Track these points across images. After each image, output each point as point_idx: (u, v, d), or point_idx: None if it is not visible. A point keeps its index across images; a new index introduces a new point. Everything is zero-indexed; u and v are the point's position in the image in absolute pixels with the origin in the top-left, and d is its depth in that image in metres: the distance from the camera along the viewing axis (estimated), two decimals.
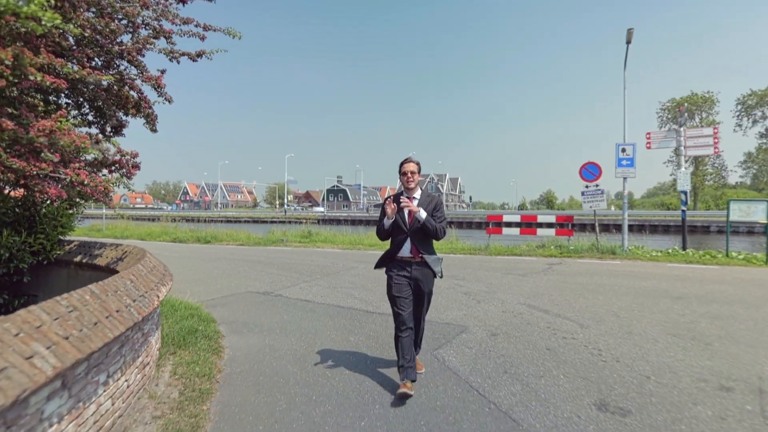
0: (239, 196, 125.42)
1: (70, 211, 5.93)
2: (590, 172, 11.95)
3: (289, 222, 45.55)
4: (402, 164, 3.38)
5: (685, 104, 61.72)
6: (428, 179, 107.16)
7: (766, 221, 10.44)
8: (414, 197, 3.38)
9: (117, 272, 4.48)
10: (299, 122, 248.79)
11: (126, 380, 2.75)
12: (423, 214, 3.23)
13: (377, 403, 3.12)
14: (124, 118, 5.35)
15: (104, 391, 2.42)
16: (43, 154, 3.39)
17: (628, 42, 11.56)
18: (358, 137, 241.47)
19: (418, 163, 3.37)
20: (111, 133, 5.52)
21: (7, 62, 2.63)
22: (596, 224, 12.41)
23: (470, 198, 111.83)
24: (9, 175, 3.56)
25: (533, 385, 3.41)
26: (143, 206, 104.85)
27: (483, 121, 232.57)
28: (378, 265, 3.50)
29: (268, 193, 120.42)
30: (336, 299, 6.51)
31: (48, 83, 2.93)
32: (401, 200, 3.24)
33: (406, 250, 3.29)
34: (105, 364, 2.44)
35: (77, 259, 5.36)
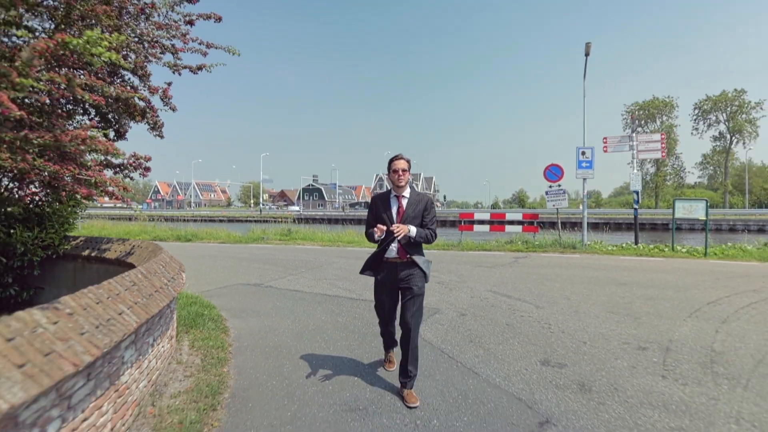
0: (212, 195, 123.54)
1: (76, 210, 6.39)
2: (553, 173, 12.97)
3: (265, 221, 45.58)
4: (392, 161, 3.23)
5: (636, 112, 65.16)
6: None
7: (704, 218, 11.67)
8: (404, 196, 3.23)
9: (128, 264, 5.03)
10: (275, 120, 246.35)
11: (162, 345, 3.36)
12: (413, 231, 3.10)
13: (367, 364, 3.83)
14: (129, 124, 5.85)
15: (152, 350, 3.04)
16: (82, 160, 3.95)
17: (587, 54, 12.64)
18: (333, 136, 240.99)
19: (408, 161, 3.24)
20: (115, 138, 6.01)
21: (62, 85, 3.17)
22: (558, 222, 13.46)
23: (444, 197, 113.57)
24: (44, 176, 4.09)
25: (493, 350, 4.18)
26: (112, 205, 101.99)
27: (458, 122, 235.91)
28: (364, 270, 3.36)
29: (242, 192, 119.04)
30: (322, 289, 7.17)
31: (91, 101, 3.48)
32: (393, 228, 2.99)
33: (392, 251, 3.18)
34: (152, 330, 3.05)
35: (85, 253, 5.83)
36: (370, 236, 3.23)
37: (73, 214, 6.35)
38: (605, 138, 13.20)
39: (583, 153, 12.87)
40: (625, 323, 5.01)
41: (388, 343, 3.66)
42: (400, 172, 3.18)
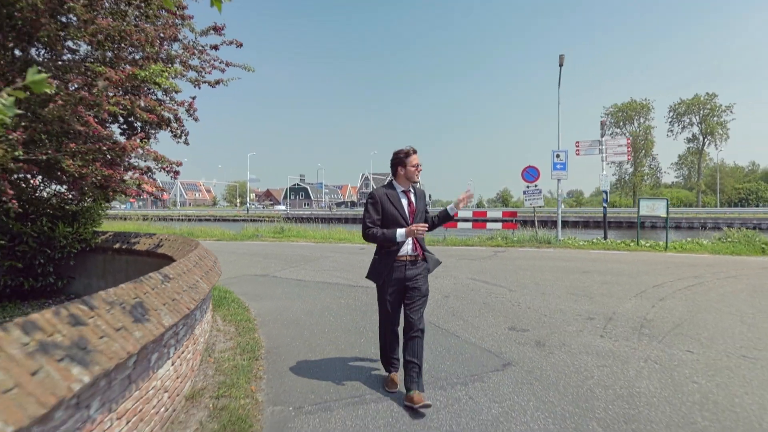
0: (197, 195, 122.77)
1: (102, 208, 7.16)
2: (530, 174, 14.07)
3: (253, 220, 45.98)
4: (407, 156, 3.10)
5: (609, 116, 68.01)
6: (389, 177, 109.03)
7: (665, 215, 12.88)
8: (410, 190, 3.19)
9: (159, 255, 5.84)
10: (260, 120, 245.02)
11: (206, 317, 4.23)
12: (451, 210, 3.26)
13: (368, 330, 4.74)
14: (154, 132, 6.66)
15: (203, 317, 3.91)
16: (124, 164, 4.77)
17: (561, 65, 13.76)
18: (318, 136, 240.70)
19: None
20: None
21: (128, 107, 3.98)
22: (535, 219, 14.55)
23: (430, 196, 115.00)
24: (98, 178, 4.91)
25: (471, 321, 5.14)
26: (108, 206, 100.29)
27: (443, 122, 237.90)
28: (373, 276, 3.20)
29: (227, 192, 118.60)
30: (322, 278, 8.06)
31: (149, 119, 4.31)
32: (414, 227, 2.93)
33: (408, 248, 3.08)
34: (202, 304, 3.92)
35: (116, 246, 6.62)
36: (381, 238, 3.02)
37: (100, 212, 7.12)
38: (577, 142, 14.35)
39: (558, 156, 13.99)
40: (581, 301, 6.02)
41: (391, 361, 3.33)
42: (420, 167, 3.12)
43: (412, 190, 3.19)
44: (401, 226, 3.01)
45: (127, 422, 2.07)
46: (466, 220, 15.96)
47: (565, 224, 36.76)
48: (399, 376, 3.26)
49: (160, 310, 2.36)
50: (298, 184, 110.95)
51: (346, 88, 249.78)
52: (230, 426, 2.62)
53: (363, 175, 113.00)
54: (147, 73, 3.76)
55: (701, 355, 3.91)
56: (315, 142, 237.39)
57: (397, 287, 3.08)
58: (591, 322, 5.02)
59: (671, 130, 69.53)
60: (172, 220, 36.21)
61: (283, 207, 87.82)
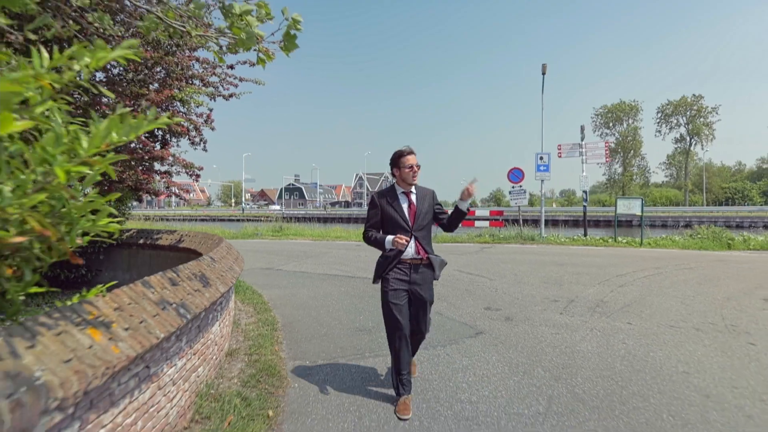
0: (192, 195, 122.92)
1: (126, 207, 7.96)
2: (516, 175, 15.01)
3: (248, 220, 46.72)
4: (402, 157, 2.98)
5: (582, 125, 68.83)
6: (382, 177, 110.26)
7: (640, 213, 13.87)
8: (411, 191, 3.08)
9: (182, 249, 6.66)
10: (254, 120, 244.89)
11: (232, 296, 5.07)
12: (464, 206, 3.07)
13: (365, 311, 5.60)
14: (176, 140, 7.46)
15: (232, 295, 4.75)
16: (155, 170, 5.59)
17: (543, 74, 14.71)
18: (311, 136, 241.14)
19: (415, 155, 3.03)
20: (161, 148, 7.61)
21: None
22: (520, 217, 15.50)
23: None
24: (133, 181, 5.72)
25: (455, 303, 6.02)
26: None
27: (437, 122, 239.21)
28: (377, 278, 3.07)
29: (222, 192, 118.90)
30: (324, 270, 8.91)
31: (179, 131, 5.13)
32: (396, 240, 2.84)
33: (410, 251, 2.97)
34: (231, 288, 4.76)
35: (140, 241, 7.42)
36: (375, 242, 3.03)
37: (125, 211, 7.93)
38: (559, 145, 15.32)
39: (541, 158, 14.94)
40: (551, 288, 6.93)
41: (402, 379, 2.99)
42: (415, 168, 2.97)
43: (414, 192, 3.08)
44: (402, 229, 2.95)
45: (198, 358, 2.92)
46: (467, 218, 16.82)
47: (556, 223, 38.13)
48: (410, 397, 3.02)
49: (216, 281, 3.21)
50: (293, 184, 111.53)
51: (341, 89, 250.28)
52: (263, 371, 3.47)
53: (357, 175, 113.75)
54: (183, 94, 4.60)
55: (637, 326, 4.82)
56: (309, 143, 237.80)
57: (400, 290, 2.95)
58: (555, 303, 5.92)
59: (659, 131, 71.18)
60: (168, 220, 36.82)
61: (277, 207, 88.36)
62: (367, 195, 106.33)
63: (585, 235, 14.86)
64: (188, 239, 6.85)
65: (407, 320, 2.99)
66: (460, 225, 3.21)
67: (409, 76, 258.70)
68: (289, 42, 2.41)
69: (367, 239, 3.08)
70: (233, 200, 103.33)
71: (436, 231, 17.35)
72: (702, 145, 67.40)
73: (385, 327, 3.04)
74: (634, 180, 73.20)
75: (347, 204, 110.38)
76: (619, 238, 14.39)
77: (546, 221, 30.65)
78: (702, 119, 65.58)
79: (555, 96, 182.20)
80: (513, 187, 14.98)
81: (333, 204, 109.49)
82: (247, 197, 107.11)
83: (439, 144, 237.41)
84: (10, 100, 1.12)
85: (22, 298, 1.62)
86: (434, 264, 3.04)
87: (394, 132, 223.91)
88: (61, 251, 1.54)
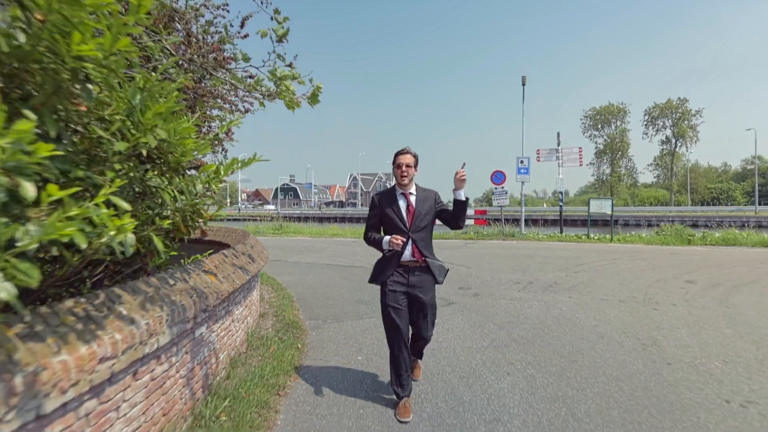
0: None
1: None
2: (498, 177, 16.39)
3: (245, 219, 47.83)
4: (396, 156, 2.95)
5: (558, 132, 71.87)
6: (376, 177, 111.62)
7: (610, 212, 15.29)
8: (411, 192, 3.00)
9: (203, 242, 7.91)
10: (249, 120, 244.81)
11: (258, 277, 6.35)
12: (462, 194, 2.91)
13: (363, 290, 6.90)
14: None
15: (258, 280, 6.04)
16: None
17: (523, 84, 16.10)
18: (306, 136, 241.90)
19: (415, 156, 2.97)
20: None
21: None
22: (502, 216, 16.88)
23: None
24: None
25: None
26: None
27: (431, 122, 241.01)
28: (374, 278, 3.02)
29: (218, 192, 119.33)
30: (325, 261, 10.21)
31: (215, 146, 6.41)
32: (392, 240, 2.81)
33: (406, 254, 2.91)
34: (263, 266, 6.04)
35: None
36: (373, 242, 3.00)
37: None
38: (538, 150, 16.74)
39: (522, 162, 16.33)
40: (517, 274, 8.28)
41: (402, 382, 2.94)
42: (404, 168, 2.90)
43: (413, 193, 3.00)
44: (400, 230, 2.89)
45: (247, 310, 4.22)
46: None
47: (546, 222, 39.68)
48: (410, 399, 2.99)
49: (257, 258, 4.50)
50: (288, 184, 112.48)
51: (339, 86, 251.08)
52: (289, 325, 4.77)
53: (351, 175, 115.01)
54: (219, 116, 5.88)
55: (576, 299, 6.17)
56: (306, 142, 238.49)
57: (399, 293, 2.90)
58: (517, 284, 7.26)
59: (646, 133, 73.08)
60: None
61: (272, 206, 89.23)
62: (362, 195, 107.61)
63: (561, 232, 16.27)
64: (210, 234, 8.10)
65: (406, 324, 2.93)
66: (466, 219, 3.04)
67: (408, 74, 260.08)
68: (313, 99, 3.72)
69: (367, 240, 3.07)
70: (228, 200, 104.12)
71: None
72: (686, 147, 69.39)
73: (384, 329, 3.00)
74: (622, 181, 75.03)
75: (341, 204, 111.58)
76: (593, 235, 15.81)
77: (535, 220, 32.00)
78: (686, 122, 67.55)
79: (554, 93, 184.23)
80: (495, 188, 16.36)
81: (327, 204, 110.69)
82: (242, 197, 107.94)
83: (438, 141, 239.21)
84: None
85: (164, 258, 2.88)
86: (432, 268, 2.95)
87: (393, 129, 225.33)
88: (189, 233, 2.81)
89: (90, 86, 1.54)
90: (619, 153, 71.81)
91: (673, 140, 70.32)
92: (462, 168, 2.86)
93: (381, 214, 3.01)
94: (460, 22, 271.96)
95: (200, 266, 3.12)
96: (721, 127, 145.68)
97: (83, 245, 1.41)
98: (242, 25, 5.94)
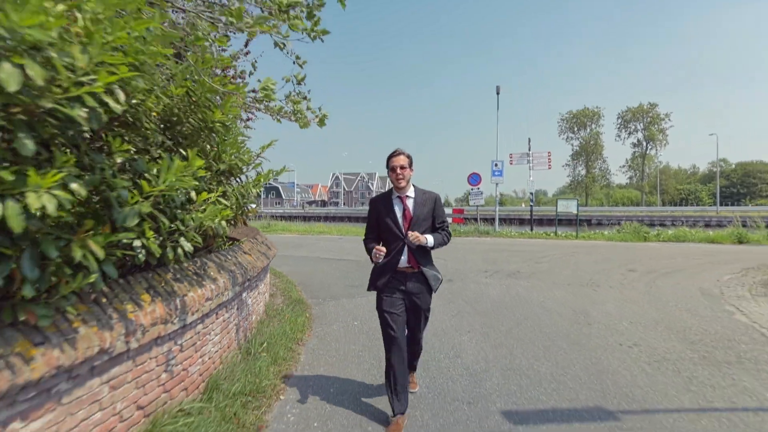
0: None
1: None
2: (474, 179, 17.68)
3: None
4: (390, 158, 2.83)
5: (529, 137, 74.82)
6: (358, 177, 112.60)
7: (576, 212, 16.73)
8: (408, 196, 2.88)
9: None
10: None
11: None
12: (431, 240, 2.82)
13: (354, 277, 8.01)
14: None
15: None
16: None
17: (498, 93, 17.44)
18: (288, 135, 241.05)
19: (409, 156, 2.85)
20: None
21: None
22: (478, 215, 18.18)
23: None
24: None
25: None
26: None
27: (414, 123, 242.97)
28: (371, 285, 2.96)
29: None
30: (316, 255, 11.27)
31: None
32: (409, 235, 2.72)
33: (402, 260, 2.84)
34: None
35: None
36: (367, 251, 2.89)
37: None
38: (511, 154, 18.13)
39: (496, 165, 17.66)
40: (486, 264, 9.50)
41: (398, 395, 2.81)
42: (398, 170, 2.79)
43: (411, 196, 2.89)
44: (395, 236, 2.80)
45: (265, 287, 5.28)
46: None
47: (522, 221, 41.41)
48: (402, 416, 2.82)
49: (272, 247, 5.56)
50: (270, 183, 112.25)
51: (342, 89, 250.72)
52: (295, 301, 5.84)
53: (334, 174, 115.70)
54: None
55: (532, 283, 7.40)
56: (284, 141, 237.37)
57: (395, 299, 2.85)
58: (485, 273, 8.48)
59: (619, 135, 76.00)
60: None
61: (253, 205, 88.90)
62: (344, 194, 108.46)
63: (531, 230, 17.67)
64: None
65: (402, 330, 2.86)
66: (445, 242, 3.04)
67: (411, 76, 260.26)
68: (321, 122, 4.79)
69: (365, 245, 2.99)
70: None
71: None
72: (656, 150, 72.52)
73: (382, 335, 2.92)
74: (596, 182, 77.85)
75: (324, 203, 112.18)
76: (560, 232, 17.24)
77: (511, 219, 33.59)
78: (656, 126, 70.64)
79: (554, 91, 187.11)
80: (472, 189, 17.65)
81: (310, 203, 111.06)
82: None
83: (440, 144, 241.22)
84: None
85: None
86: (427, 277, 2.89)
87: (372, 131, 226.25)
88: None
89: (214, 135, 2.61)
90: (594, 155, 74.49)
91: (644, 143, 73.35)
92: (409, 233, 2.73)
93: (378, 218, 2.91)
94: (462, 20, 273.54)
95: (241, 248, 4.19)
96: (692, 131, 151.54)
97: (218, 227, 2.50)
98: (246, 45, 7.01)
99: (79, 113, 1.38)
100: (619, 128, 75.46)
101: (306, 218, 49.60)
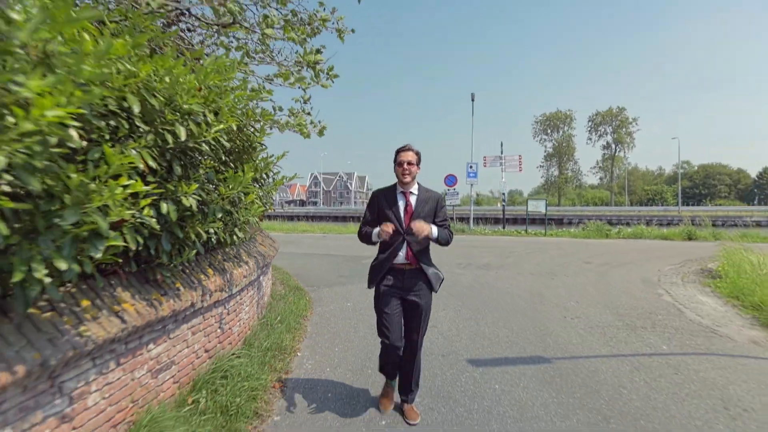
0: None
1: None
2: (450, 180, 18.77)
3: None
4: (398, 152, 2.80)
5: (501, 141, 77.48)
6: (337, 177, 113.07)
7: (544, 211, 18.01)
8: (411, 192, 2.85)
9: None
10: None
11: None
12: (435, 231, 2.77)
13: (343, 270, 8.89)
14: None
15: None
16: None
17: (473, 100, 18.57)
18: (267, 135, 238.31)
19: (417, 153, 2.81)
20: None
21: None
22: (454, 215, 19.27)
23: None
24: None
25: None
26: None
27: (390, 122, 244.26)
28: (372, 282, 2.89)
29: None
30: (304, 251, 12.10)
31: None
32: (414, 225, 2.64)
33: (400, 257, 2.78)
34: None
35: None
36: (365, 236, 2.85)
37: None
38: (485, 157, 19.31)
39: (471, 167, 18.80)
40: (460, 258, 10.53)
41: (390, 372, 2.98)
42: (405, 165, 2.76)
43: (414, 193, 2.87)
44: (396, 231, 2.74)
45: (269, 277, 6.13)
46: None
47: (497, 220, 42.92)
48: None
49: (275, 242, 6.41)
50: None
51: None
52: (294, 288, 6.69)
53: (312, 174, 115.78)
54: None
55: (500, 273, 8.45)
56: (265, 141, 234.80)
57: (392, 297, 2.80)
58: (459, 265, 9.49)
59: (590, 138, 78.94)
60: None
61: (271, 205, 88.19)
62: (323, 194, 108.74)
63: (503, 227, 18.89)
64: None
65: (397, 329, 2.80)
66: (449, 241, 2.97)
67: (369, 75, 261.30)
68: (320, 132, 5.67)
69: (360, 234, 2.93)
70: None
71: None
72: (624, 152, 75.75)
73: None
74: (568, 182, 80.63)
75: (303, 203, 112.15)
76: (530, 230, 18.51)
77: (487, 218, 34.86)
78: (624, 129, 73.77)
79: (555, 92, 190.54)
80: (448, 189, 18.74)
81: (288, 202, 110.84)
82: None
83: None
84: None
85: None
86: (428, 275, 2.85)
87: (350, 131, 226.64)
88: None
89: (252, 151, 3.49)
90: (566, 156, 77.16)
91: (613, 146, 76.41)
92: (413, 223, 2.66)
93: (379, 212, 2.87)
94: (460, 20, 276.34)
95: (256, 241, 5.04)
96: (662, 134, 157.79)
97: (255, 221, 3.37)
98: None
99: (206, 148, 2.25)
100: (589, 131, 78.40)
101: (290, 218, 50.02)
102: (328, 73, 3.60)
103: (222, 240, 3.04)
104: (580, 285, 7.32)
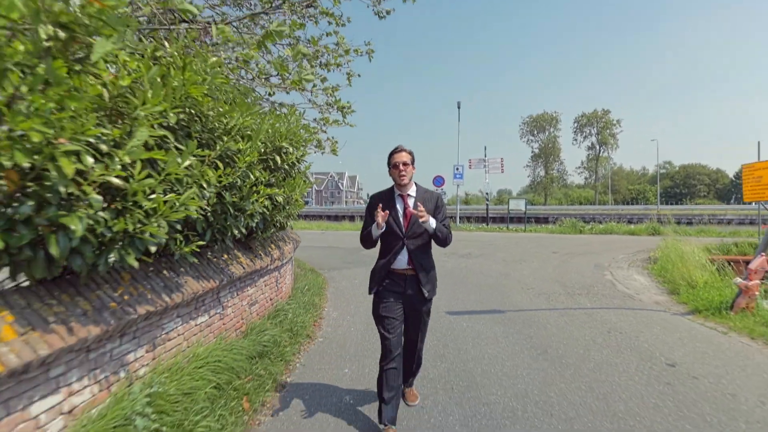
0: None
1: None
2: (438, 181, 20.40)
3: None
4: (391, 155, 2.77)
5: (485, 145, 79.81)
6: (328, 177, 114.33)
7: (524, 210, 19.72)
8: (409, 194, 2.78)
9: None
10: None
11: None
12: (432, 223, 2.69)
13: (347, 258, 10.44)
14: None
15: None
16: None
17: (459, 108, 20.23)
18: None
19: (411, 153, 2.77)
20: None
21: None
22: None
23: (368, 195, 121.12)
24: None
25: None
26: None
27: (381, 123, 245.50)
28: (372, 287, 2.84)
29: None
30: (309, 244, 13.55)
31: None
32: (413, 210, 2.60)
33: (402, 262, 2.74)
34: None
35: None
36: (367, 236, 2.77)
37: None
38: (470, 159, 21.00)
39: (457, 169, 20.45)
40: (446, 251, 11.98)
41: (385, 399, 2.65)
42: (401, 167, 2.69)
43: (412, 195, 2.79)
44: (395, 235, 2.70)
45: (292, 265, 7.67)
46: None
47: (483, 218, 44.92)
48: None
49: (297, 234, 7.93)
50: None
51: None
52: (311, 270, 8.23)
53: None
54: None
55: (478, 261, 10.06)
56: None
57: (392, 302, 2.73)
58: (444, 254, 11.07)
59: (576, 139, 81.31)
60: None
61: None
62: (314, 194, 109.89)
63: (487, 224, 20.57)
64: None
65: (397, 335, 2.73)
66: (448, 239, 2.92)
67: (365, 75, 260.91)
68: (334, 151, 7.20)
69: (362, 238, 2.86)
70: None
71: None
72: (609, 153, 78.26)
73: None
74: (554, 182, 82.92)
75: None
76: (512, 227, 20.21)
77: (474, 216, 36.39)
78: (608, 130, 76.27)
79: (555, 93, 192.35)
80: (436, 190, 20.35)
81: None
82: None
83: (382, 144, 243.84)
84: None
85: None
86: (429, 279, 2.85)
87: (340, 132, 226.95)
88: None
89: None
90: (552, 157, 79.43)
91: (598, 146, 78.89)
92: (416, 209, 2.59)
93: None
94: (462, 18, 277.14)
95: (288, 230, 6.58)
96: (645, 135, 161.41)
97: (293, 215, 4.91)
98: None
99: (287, 167, 3.84)
100: (575, 132, 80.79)
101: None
102: (346, 110, 5.21)
103: (283, 225, 4.59)
104: (542, 268, 8.96)
